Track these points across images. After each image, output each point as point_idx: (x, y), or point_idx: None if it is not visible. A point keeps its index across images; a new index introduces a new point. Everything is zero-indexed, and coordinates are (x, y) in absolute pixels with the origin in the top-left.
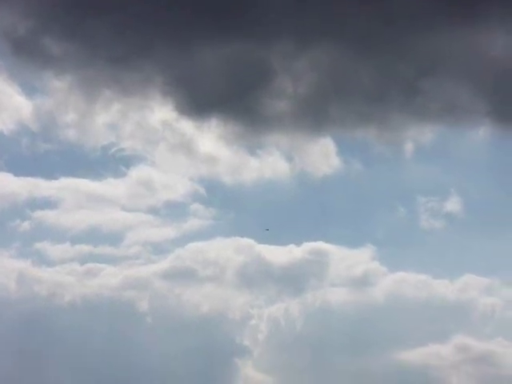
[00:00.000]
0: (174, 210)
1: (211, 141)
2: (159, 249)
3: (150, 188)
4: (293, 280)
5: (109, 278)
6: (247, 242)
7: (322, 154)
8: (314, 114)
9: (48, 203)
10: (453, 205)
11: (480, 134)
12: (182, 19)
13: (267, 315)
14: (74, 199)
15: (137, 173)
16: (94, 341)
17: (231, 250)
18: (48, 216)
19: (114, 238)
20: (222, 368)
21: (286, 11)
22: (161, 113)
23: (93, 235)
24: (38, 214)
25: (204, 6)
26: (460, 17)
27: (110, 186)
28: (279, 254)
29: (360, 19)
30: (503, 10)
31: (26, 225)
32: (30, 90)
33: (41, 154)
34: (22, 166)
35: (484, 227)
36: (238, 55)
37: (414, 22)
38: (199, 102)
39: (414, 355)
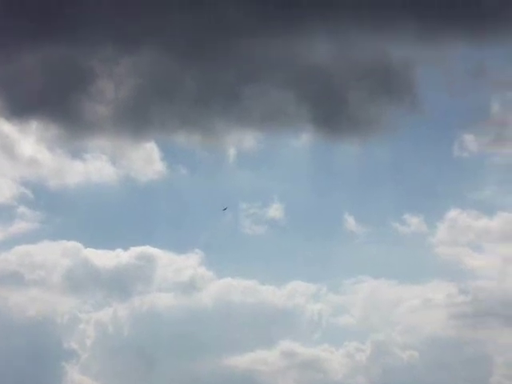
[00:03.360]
0: (0, 213)
1: (33, 144)
2: None
3: None
4: (120, 285)
5: None
6: (74, 245)
7: (147, 159)
8: (136, 119)
9: None
10: (275, 211)
11: (302, 140)
12: (3, 19)
13: (95, 320)
14: None
15: None
16: None
17: (58, 254)
18: None
19: None
20: (48, 372)
21: (108, 15)
22: None
23: None
24: None
25: (25, 7)
26: (282, 25)
27: None
28: (106, 258)
29: (182, 24)
30: (324, 20)
31: None
32: None
33: None
34: None
35: (306, 233)
36: (58, 58)
37: (237, 28)
38: (19, 104)
39: (241, 361)
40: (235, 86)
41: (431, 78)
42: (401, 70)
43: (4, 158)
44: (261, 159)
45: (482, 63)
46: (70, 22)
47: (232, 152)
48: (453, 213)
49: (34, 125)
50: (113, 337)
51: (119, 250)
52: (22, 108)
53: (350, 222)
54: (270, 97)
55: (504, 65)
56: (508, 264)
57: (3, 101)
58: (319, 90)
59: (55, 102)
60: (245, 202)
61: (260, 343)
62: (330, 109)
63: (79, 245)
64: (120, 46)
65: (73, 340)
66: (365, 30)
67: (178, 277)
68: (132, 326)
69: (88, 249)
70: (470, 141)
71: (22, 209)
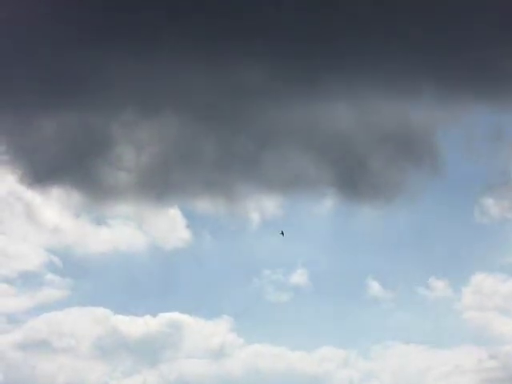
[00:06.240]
0: (28, 280)
1: (58, 211)
2: (13, 319)
3: (3, 257)
4: (149, 351)
5: None
6: (103, 312)
7: (171, 226)
8: (158, 184)
9: None
10: (299, 277)
11: (324, 205)
12: (22, 87)
13: None
14: None
15: None
16: None
17: (87, 321)
18: None
19: None
20: None
21: (129, 80)
22: (5, 182)
23: None
24: None
25: (44, 73)
26: (303, 89)
27: None
28: (135, 325)
29: (203, 89)
30: (345, 84)
31: None
32: None
33: None
34: None
35: (331, 299)
36: (79, 124)
37: (258, 93)
38: (42, 171)
39: None
40: (255, 152)
41: (451, 141)
42: (421, 134)
43: (32, 225)
44: (283, 224)
45: (501, 126)
46: (91, 87)
47: (255, 217)
48: (478, 277)
49: (56, 192)
50: None
51: (148, 317)
52: (45, 175)
53: (375, 287)
54: (292, 162)
55: None
56: None
57: (25, 168)
58: (341, 155)
59: (77, 169)
60: (268, 268)
61: None
62: (352, 173)
63: (108, 311)
64: (141, 111)
65: None
66: (385, 95)
67: (208, 343)
68: None
69: (117, 315)
70: (491, 205)
71: (50, 276)
